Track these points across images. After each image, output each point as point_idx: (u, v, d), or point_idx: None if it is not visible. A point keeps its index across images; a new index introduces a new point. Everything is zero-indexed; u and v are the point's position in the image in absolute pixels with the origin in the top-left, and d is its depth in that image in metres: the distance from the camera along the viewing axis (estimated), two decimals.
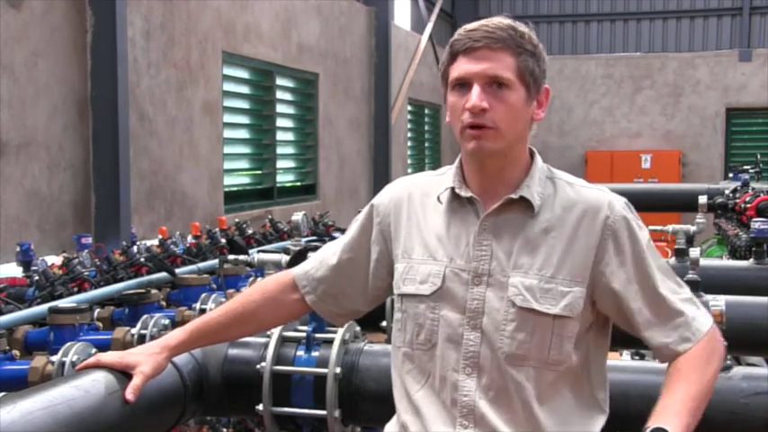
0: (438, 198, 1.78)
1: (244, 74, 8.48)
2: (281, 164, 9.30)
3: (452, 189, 1.76)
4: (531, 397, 1.66)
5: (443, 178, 1.81)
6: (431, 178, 1.85)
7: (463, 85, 1.68)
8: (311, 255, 2.73)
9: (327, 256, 1.92)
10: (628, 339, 1.82)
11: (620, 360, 3.08)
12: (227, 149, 7.97)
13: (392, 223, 1.83)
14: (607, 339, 1.79)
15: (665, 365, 1.73)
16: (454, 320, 1.70)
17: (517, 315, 1.66)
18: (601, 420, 1.73)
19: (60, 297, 3.35)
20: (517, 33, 1.68)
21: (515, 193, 1.70)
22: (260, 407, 2.27)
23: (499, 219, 1.71)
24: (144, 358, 1.84)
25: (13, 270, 3.78)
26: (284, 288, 1.94)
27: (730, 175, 9.89)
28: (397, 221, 1.82)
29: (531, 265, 1.67)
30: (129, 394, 1.78)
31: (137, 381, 1.81)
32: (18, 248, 3.79)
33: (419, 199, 1.81)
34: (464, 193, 1.74)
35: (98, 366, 1.86)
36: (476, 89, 1.65)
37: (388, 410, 1.86)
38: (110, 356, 1.89)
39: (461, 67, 1.68)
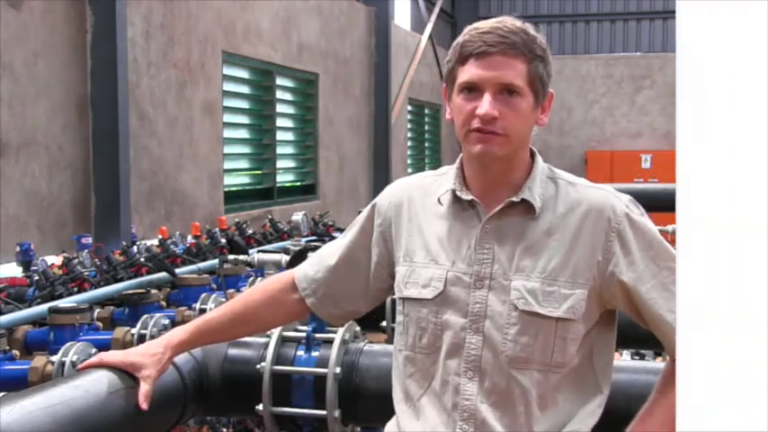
0: (439, 200, 1.76)
1: (244, 74, 8.47)
2: (280, 164, 9.30)
3: (453, 191, 1.74)
4: (533, 402, 1.65)
5: (444, 179, 1.78)
6: (431, 179, 1.82)
7: (472, 89, 1.65)
8: (311, 255, 2.74)
9: (326, 257, 1.91)
10: (628, 339, 1.82)
11: (620, 360, 3.08)
12: (227, 149, 7.97)
13: (393, 225, 1.81)
14: (613, 330, 1.76)
15: (664, 365, 1.72)
16: (457, 324, 1.68)
17: (520, 318, 1.64)
18: (599, 410, 1.72)
19: (60, 297, 3.35)
20: (529, 38, 1.65)
21: (517, 196, 1.68)
22: (260, 407, 2.27)
23: (501, 222, 1.69)
24: (148, 360, 1.85)
25: (13, 270, 3.79)
26: (285, 288, 1.93)
27: None
28: (397, 223, 1.80)
29: (534, 267, 1.66)
30: (143, 403, 1.81)
31: (146, 387, 1.83)
32: (18, 248, 3.80)
33: (420, 200, 1.79)
34: (465, 196, 1.72)
35: (100, 366, 1.87)
36: (487, 97, 1.62)
37: (388, 410, 1.86)
38: (113, 356, 1.90)
39: (473, 72, 1.64)
